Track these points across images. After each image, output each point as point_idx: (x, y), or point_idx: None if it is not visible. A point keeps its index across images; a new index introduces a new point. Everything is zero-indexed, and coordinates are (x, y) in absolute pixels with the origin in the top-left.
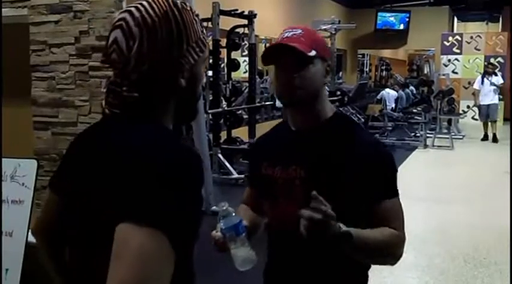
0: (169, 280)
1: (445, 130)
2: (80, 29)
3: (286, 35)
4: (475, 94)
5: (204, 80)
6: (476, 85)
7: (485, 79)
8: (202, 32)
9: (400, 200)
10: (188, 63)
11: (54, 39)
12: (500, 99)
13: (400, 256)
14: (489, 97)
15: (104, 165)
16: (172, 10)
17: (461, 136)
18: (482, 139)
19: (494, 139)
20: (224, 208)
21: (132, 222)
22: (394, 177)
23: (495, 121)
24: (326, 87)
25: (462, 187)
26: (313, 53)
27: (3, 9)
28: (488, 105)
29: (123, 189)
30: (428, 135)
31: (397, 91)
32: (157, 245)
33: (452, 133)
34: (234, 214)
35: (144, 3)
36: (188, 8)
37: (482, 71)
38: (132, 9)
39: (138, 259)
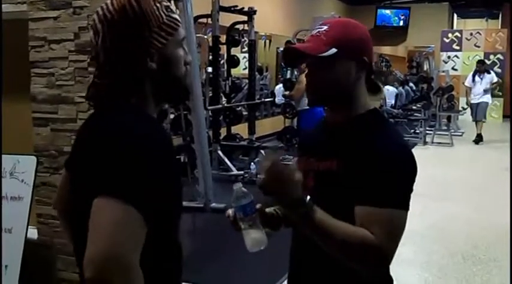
0: (141, 246)
1: (445, 127)
2: (79, 25)
3: (313, 32)
4: (467, 92)
5: (188, 59)
6: (467, 83)
7: (476, 77)
8: (168, 16)
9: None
10: (155, 47)
11: (53, 35)
12: (499, 96)
13: (368, 262)
14: (479, 95)
15: (85, 149)
16: (130, 2)
17: (460, 133)
18: (475, 141)
19: (478, 140)
20: (237, 188)
21: (103, 196)
22: (405, 189)
23: (482, 121)
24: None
25: (461, 184)
26: (331, 51)
27: (2, 5)
28: (478, 104)
29: (97, 168)
30: (427, 132)
31: (396, 88)
32: (126, 215)
33: (452, 130)
34: (247, 195)
35: (108, 1)
36: None
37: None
38: (98, 9)
39: (109, 227)
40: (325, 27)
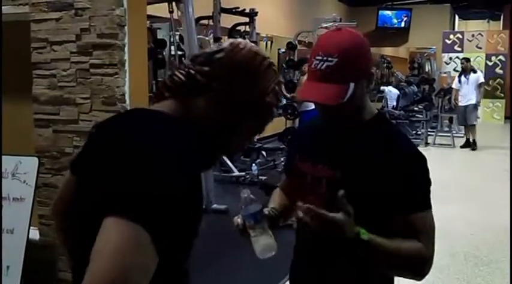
0: (151, 274)
1: (446, 128)
2: (81, 26)
3: (319, 66)
4: (455, 94)
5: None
6: (454, 85)
7: (462, 77)
8: (278, 100)
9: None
10: (244, 118)
11: (55, 37)
12: (501, 98)
13: (423, 273)
14: (466, 97)
15: (102, 154)
16: (262, 62)
17: (462, 134)
18: (462, 146)
19: (473, 146)
20: (245, 195)
21: (114, 216)
22: (428, 188)
23: (472, 126)
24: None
25: (463, 185)
26: (351, 90)
27: (3, 7)
28: (466, 107)
29: (111, 180)
30: (429, 133)
31: (400, 89)
32: (136, 239)
33: (454, 131)
34: (255, 202)
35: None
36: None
37: (483, 69)
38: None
39: (117, 252)
40: (335, 61)
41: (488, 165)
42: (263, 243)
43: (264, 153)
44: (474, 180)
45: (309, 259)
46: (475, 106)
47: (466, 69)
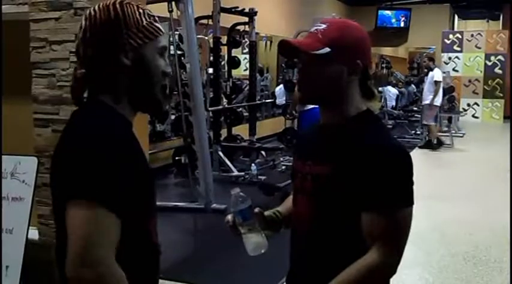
0: (116, 241)
1: (446, 128)
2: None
3: (312, 29)
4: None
5: (168, 70)
6: None
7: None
8: (150, 22)
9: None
10: (130, 45)
11: (54, 36)
12: (500, 97)
13: (385, 281)
14: (425, 97)
15: (57, 151)
16: (114, 4)
17: (461, 134)
18: (421, 147)
19: (433, 146)
20: (235, 193)
21: (73, 199)
22: (400, 185)
23: (430, 125)
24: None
25: (462, 185)
26: (324, 50)
27: (3, 6)
28: (423, 106)
29: (65, 172)
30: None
31: (399, 88)
32: (96, 214)
33: (453, 131)
34: (245, 199)
35: (96, 4)
36: (133, 4)
37: (482, 69)
38: (88, 10)
39: (82, 229)
40: (324, 26)
41: (487, 165)
42: (252, 241)
43: (263, 153)
44: (473, 179)
45: (302, 264)
46: (427, 106)
47: (427, 69)
